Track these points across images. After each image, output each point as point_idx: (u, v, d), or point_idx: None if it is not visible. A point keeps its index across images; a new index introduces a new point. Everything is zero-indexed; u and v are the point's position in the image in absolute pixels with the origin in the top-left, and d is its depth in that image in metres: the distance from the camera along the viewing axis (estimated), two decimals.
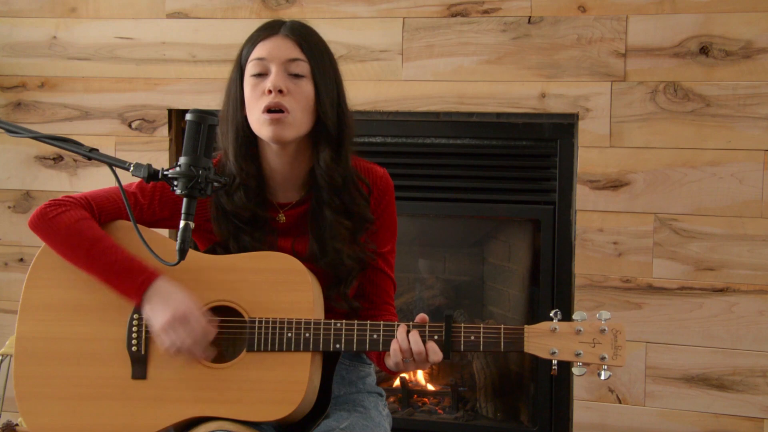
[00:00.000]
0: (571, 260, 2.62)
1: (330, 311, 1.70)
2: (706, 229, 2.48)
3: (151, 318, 1.61)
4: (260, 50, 1.66)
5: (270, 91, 1.62)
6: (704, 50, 2.45)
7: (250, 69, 1.66)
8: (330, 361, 1.70)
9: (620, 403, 2.56)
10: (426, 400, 3.04)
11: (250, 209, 1.69)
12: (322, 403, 1.67)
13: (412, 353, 1.57)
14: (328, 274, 1.70)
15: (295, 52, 1.65)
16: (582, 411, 2.59)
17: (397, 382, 3.06)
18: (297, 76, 1.65)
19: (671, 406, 2.53)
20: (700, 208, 2.48)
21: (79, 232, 1.64)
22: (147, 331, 1.65)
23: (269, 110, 1.62)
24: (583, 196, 2.56)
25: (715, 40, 2.44)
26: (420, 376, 3.11)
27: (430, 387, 3.09)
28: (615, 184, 2.53)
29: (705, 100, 2.46)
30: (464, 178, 2.72)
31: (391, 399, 3.02)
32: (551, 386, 2.67)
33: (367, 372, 1.86)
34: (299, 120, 1.65)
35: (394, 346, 1.58)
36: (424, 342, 1.57)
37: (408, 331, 1.58)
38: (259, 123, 1.65)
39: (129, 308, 1.66)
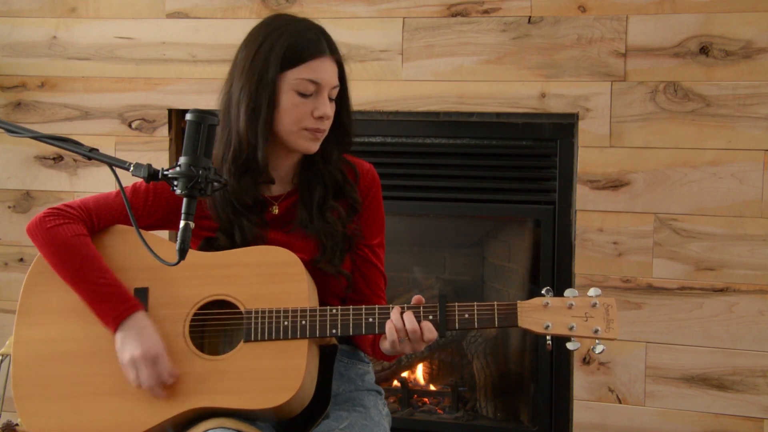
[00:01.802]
0: (571, 260, 2.62)
1: (325, 302, 1.73)
2: (706, 229, 2.48)
3: (121, 349, 1.63)
4: (314, 72, 1.69)
5: (321, 117, 1.70)
6: (704, 50, 2.45)
7: (300, 86, 1.68)
8: (328, 361, 1.71)
9: (620, 403, 2.56)
10: (426, 400, 3.04)
11: (251, 194, 1.74)
12: (322, 402, 1.68)
13: (407, 332, 1.59)
14: (318, 242, 1.74)
15: (336, 78, 1.73)
16: (582, 411, 2.59)
17: (396, 382, 3.07)
18: (331, 99, 1.74)
19: (671, 406, 2.53)
20: (700, 208, 2.48)
21: (72, 249, 1.66)
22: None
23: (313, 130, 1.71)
24: (583, 196, 2.56)
25: (715, 40, 2.44)
26: (420, 375, 3.11)
27: (431, 387, 3.10)
28: (615, 184, 2.53)
29: (705, 100, 2.46)
30: (464, 178, 2.72)
31: (391, 399, 3.02)
32: (551, 386, 2.67)
33: (366, 370, 1.87)
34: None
35: (388, 326, 1.60)
36: (418, 321, 1.60)
37: (402, 312, 1.61)
38: (297, 136, 1.71)
39: None
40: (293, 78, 1.68)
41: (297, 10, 2.69)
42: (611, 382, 2.56)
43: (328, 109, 1.71)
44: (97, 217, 1.72)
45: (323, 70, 1.69)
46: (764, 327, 2.46)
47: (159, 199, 1.75)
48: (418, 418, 2.94)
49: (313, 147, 1.72)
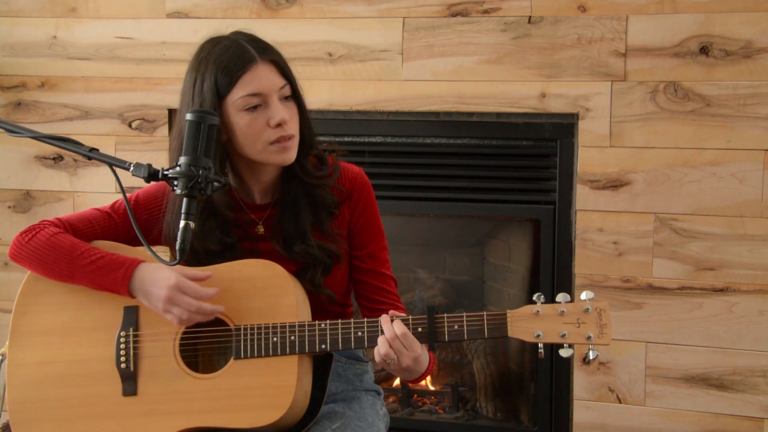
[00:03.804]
0: (571, 260, 2.62)
1: (320, 313, 1.72)
2: (706, 229, 2.48)
3: (152, 303, 1.63)
4: (251, 85, 1.62)
5: (279, 125, 1.62)
6: (704, 50, 2.45)
7: (242, 104, 1.62)
8: (325, 363, 1.70)
9: (620, 403, 2.56)
10: (426, 400, 3.04)
11: (219, 241, 1.70)
12: (317, 404, 1.68)
13: (398, 337, 1.56)
14: (300, 263, 1.72)
15: (279, 78, 1.65)
16: (582, 411, 2.59)
17: (397, 382, 3.07)
18: (286, 98, 1.66)
19: (671, 406, 2.53)
20: (700, 208, 2.48)
21: (55, 246, 1.67)
22: (135, 348, 1.67)
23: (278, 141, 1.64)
24: (583, 196, 2.56)
25: (715, 40, 2.44)
26: None
27: (430, 387, 3.10)
28: (615, 184, 2.53)
29: (705, 100, 2.46)
30: (464, 178, 2.72)
31: (391, 399, 3.02)
32: (551, 386, 2.67)
33: (365, 369, 1.86)
34: (299, 137, 1.69)
35: (381, 339, 1.57)
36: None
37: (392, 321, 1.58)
38: (267, 153, 1.65)
39: (116, 327, 1.67)
40: (234, 100, 1.62)
41: (297, 10, 2.70)
42: (611, 382, 2.56)
43: (284, 113, 1.63)
44: (73, 228, 1.72)
45: (258, 77, 1.62)
46: (764, 327, 2.46)
47: (141, 217, 1.75)
48: (418, 418, 2.94)
49: (288, 157, 1.65)
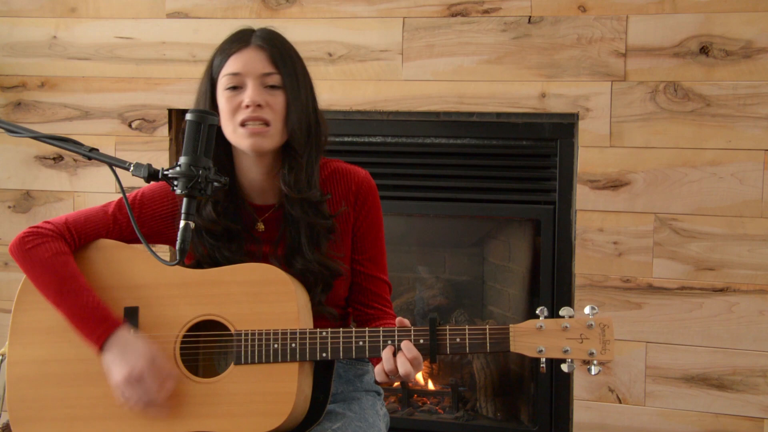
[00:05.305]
0: (571, 260, 2.62)
1: (322, 318, 1.71)
2: (706, 229, 2.48)
3: (110, 370, 1.62)
4: (234, 64, 1.66)
5: (248, 106, 1.63)
6: (704, 50, 2.45)
7: (224, 83, 1.66)
8: (327, 365, 1.70)
9: (620, 403, 2.56)
10: (426, 400, 3.04)
11: (221, 224, 1.69)
12: (320, 407, 1.68)
13: (398, 373, 1.55)
14: (300, 279, 1.70)
15: (268, 66, 1.66)
16: (582, 411, 2.59)
17: (396, 382, 3.06)
18: (273, 87, 1.66)
19: (671, 406, 2.53)
20: (700, 208, 2.48)
21: (52, 269, 1.65)
22: None
23: (246, 122, 1.64)
24: (583, 196, 2.56)
25: (715, 40, 2.44)
26: (420, 376, 3.11)
27: (430, 387, 3.10)
28: (615, 184, 2.53)
29: (705, 100, 2.46)
30: (464, 178, 2.72)
31: (392, 399, 3.02)
32: (551, 386, 2.67)
33: (365, 370, 1.86)
34: (278, 131, 1.66)
35: (378, 368, 1.58)
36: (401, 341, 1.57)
37: (394, 353, 1.57)
38: (237, 135, 1.65)
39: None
40: (220, 79, 1.67)
41: (297, 10, 2.70)
42: (611, 382, 2.56)
43: (257, 97, 1.63)
44: (77, 233, 1.70)
45: (242, 59, 1.65)
46: (764, 327, 2.46)
47: (145, 216, 1.74)
48: (418, 418, 2.94)
49: (257, 143, 1.63)
